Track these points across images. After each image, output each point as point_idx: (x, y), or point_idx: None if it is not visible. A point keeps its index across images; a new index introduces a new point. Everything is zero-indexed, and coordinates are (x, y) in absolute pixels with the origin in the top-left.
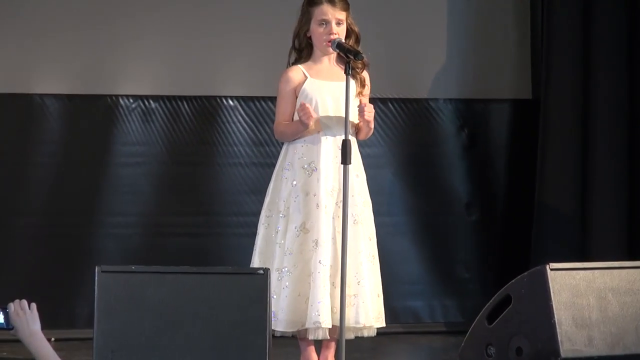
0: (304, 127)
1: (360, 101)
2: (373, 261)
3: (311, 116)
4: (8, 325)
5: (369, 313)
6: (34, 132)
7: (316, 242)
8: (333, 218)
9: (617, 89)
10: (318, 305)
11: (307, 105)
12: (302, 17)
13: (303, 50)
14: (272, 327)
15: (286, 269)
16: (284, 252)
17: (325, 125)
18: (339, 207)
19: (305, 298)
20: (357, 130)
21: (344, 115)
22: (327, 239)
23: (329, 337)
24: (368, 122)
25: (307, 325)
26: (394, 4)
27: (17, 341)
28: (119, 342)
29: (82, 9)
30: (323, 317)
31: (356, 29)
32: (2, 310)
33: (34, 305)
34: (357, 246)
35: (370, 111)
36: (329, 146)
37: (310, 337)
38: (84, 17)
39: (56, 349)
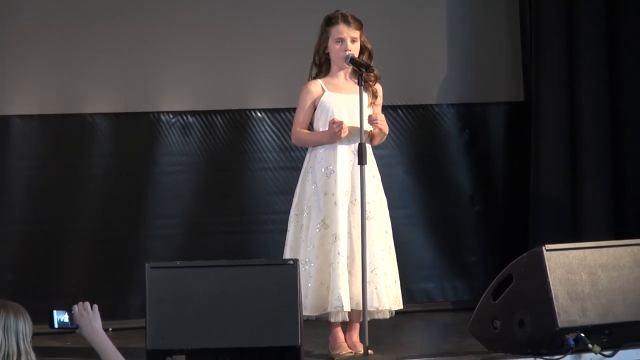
0: (332, 141)
1: (373, 110)
2: (389, 251)
3: (346, 132)
4: (73, 324)
5: (382, 298)
6: (87, 147)
7: (335, 236)
8: (348, 214)
9: (600, 88)
10: (339, 292)
11: (341, 121)
12: (321, 35)
13: (322, 65)
14: None
15: (309, 260)
16: (307, 245)
17: None
18: (354, 204)
19: (327, 285)
20: (371, 137)
21: (357, 124)
22: (343, 233)
23: (348, 319)
24: (381, 129)
25: (329, 310)
26: (399, 24)
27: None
28: (167, 329)
29: (124, 38)
30: (344, 302)
31: (369, 45)
32: (67, 312)
33: (95, 306)
34: (370, 239)
35: (382, 120)
36: (345, 152)
37: (332, 319)
38: (127, 46)
39: (113, 337)
